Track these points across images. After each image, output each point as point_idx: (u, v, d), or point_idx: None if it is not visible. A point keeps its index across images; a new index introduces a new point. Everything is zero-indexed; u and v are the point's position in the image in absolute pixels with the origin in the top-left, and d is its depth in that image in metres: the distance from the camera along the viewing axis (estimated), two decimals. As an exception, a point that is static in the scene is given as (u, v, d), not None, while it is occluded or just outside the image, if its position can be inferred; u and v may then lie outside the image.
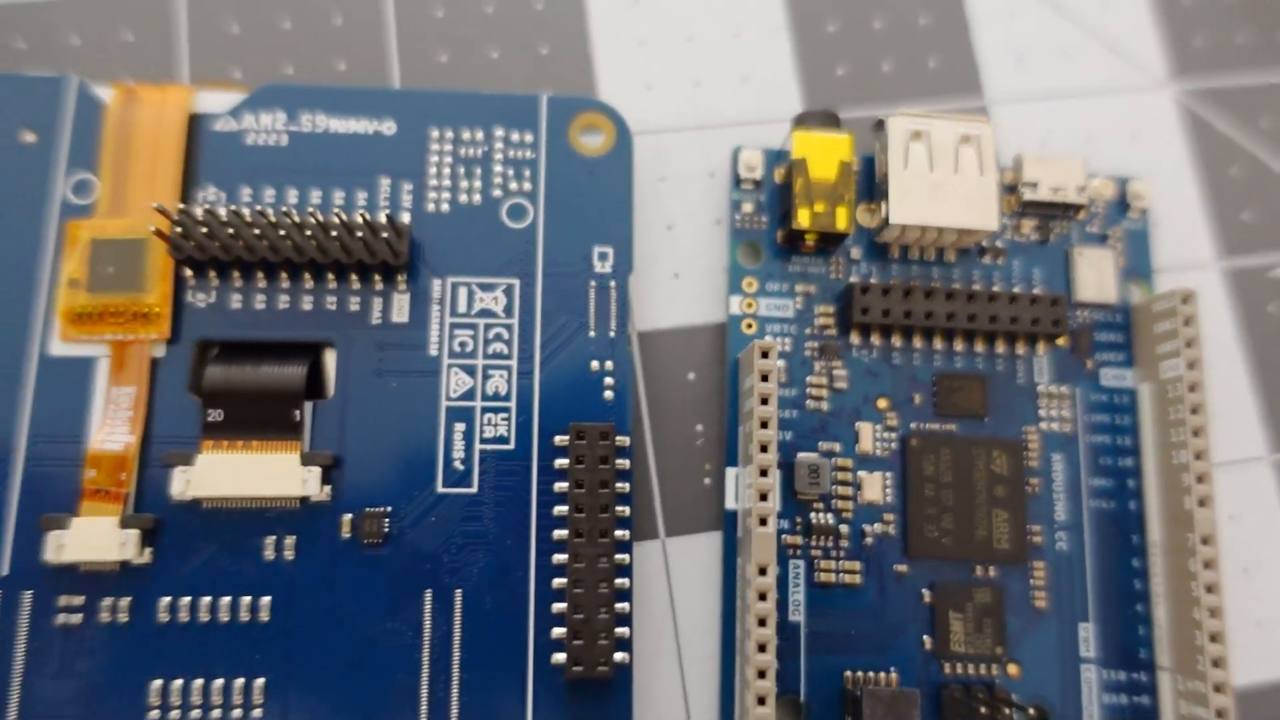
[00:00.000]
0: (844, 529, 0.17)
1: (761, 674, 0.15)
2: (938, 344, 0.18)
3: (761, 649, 0.15)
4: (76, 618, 0.15)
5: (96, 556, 0.15)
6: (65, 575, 0.15)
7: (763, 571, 0.15)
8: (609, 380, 0.17)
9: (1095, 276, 0.18)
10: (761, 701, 0.14)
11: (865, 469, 0.17)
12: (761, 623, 0.15)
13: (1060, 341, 0.18)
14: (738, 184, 0.18)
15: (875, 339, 0.18)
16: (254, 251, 0.16)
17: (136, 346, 0.16)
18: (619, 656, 0.15)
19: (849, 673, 0.16)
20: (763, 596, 0.15)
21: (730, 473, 0.17)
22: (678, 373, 0.18)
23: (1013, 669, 0.17)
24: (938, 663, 0.16)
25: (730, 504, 0.17)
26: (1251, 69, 0.21)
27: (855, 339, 0.18)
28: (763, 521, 0.15)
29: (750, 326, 0.18)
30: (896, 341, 0.18)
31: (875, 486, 0.17)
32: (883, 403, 0.17)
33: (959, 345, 0.18)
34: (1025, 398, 0.18)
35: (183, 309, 0.16)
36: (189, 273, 0.16)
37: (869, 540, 0.17)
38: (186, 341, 0.16)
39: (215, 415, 0.16)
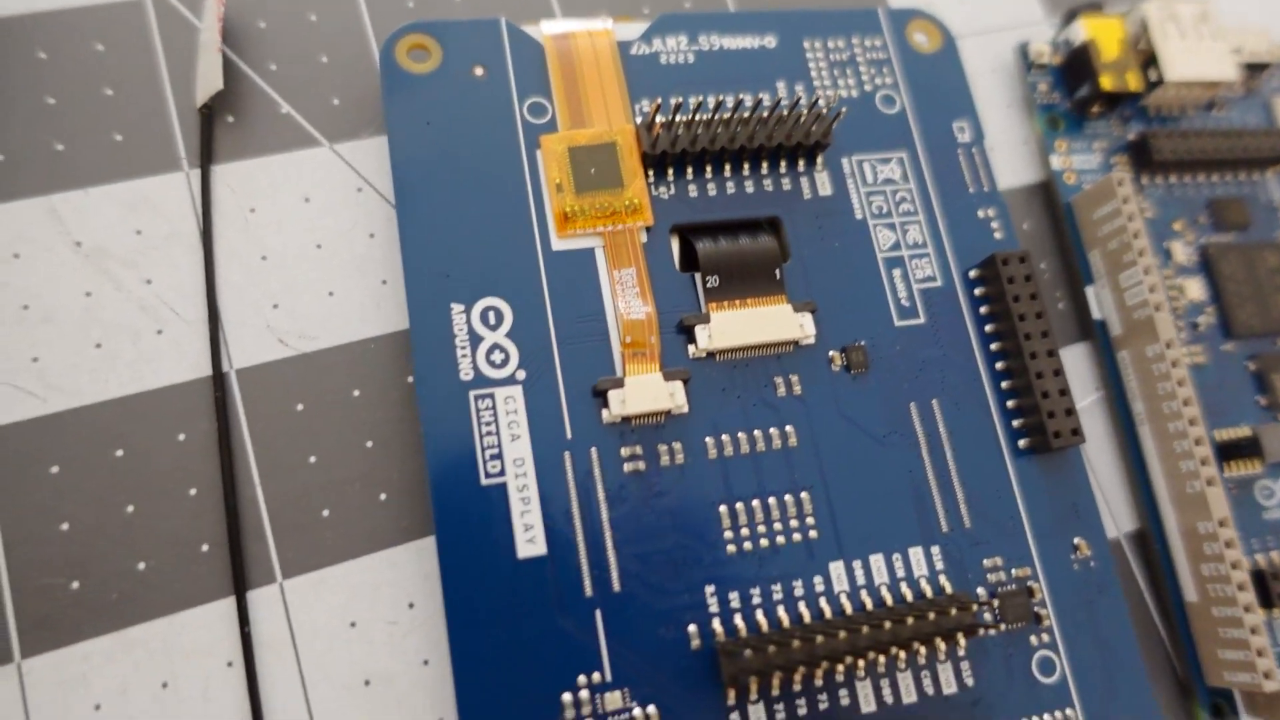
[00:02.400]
0: (1180, 323, 0.21)
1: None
2: (1208, 176, 0.22)
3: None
4: (641, 464, 0.17)
5: (654, 407, 0.17)
6: (618, 431, 0.17)
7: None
8: (995, 224, 0.20)
9: (1292, 115, 0.23)
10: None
11: (1182, 276, 0.21)
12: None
13: None
14: (1030, 69, 0.22)
15: (1160, 178, 0.22)
16: (714, 143, 0.18)
17: (626, 234, 0.18)
18: (1069, 426, 0.18)
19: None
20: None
21: (1089, 291, 0.21)
22: (1017, 224, 0.21)
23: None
24: (1270, 413, 0.20)
25: (1096, 314, 0.20)
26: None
27: (1144, 180, 0.22)
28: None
29: (1071, 178, 0.21)
30: (1181, 178, 0.22)
31: (1194, 288, 0.21)
32: (1178, 225, 0.22)
33: (1226, 175, 0.22)
34: (1270, 212, 0.22)
35: (651, 202, 0.18)
36: (650, 172, 0.19)
37: (1200, 329, 0.21)
38: (661, 229, 0.18)
39: (713, 281, 0.18)
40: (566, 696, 0.15)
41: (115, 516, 0.16)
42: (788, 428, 0.18)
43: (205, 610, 0.16)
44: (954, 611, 0.16)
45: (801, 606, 0.17)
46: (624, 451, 0.17)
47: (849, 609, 0.17)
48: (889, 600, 0.17)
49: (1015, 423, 0.19)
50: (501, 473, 0.16)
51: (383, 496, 0.17)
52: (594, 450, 0.17)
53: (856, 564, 0.17)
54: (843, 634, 0.16)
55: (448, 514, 0.16)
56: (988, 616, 0.17)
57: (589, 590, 0.16)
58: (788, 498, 0.17)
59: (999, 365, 0.19)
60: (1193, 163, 0.22)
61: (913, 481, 0.18)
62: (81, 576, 0.16)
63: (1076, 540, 0.18)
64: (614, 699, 0.16)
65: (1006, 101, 0.22)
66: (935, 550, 0.18)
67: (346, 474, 0.17)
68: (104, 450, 0.16)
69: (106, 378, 0.17)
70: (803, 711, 0.16)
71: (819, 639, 0.16)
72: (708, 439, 0.17)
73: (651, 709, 0.16)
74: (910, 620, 0.16)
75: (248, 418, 0.17)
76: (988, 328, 0.19)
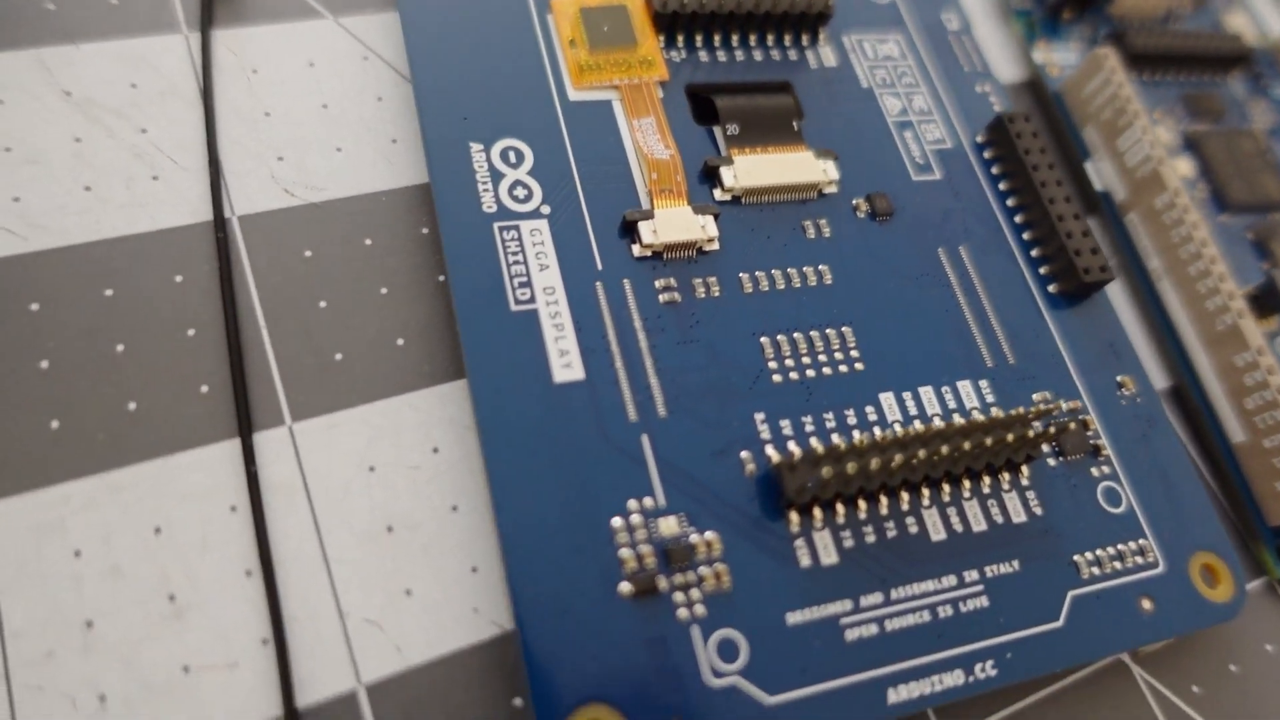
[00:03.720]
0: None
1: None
2: (1179, 75, 0.23)
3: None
4: (677, 295, 0.16)
5: (687, 237, 0.16)
6: (650, 265, 0.16)
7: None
8: (993, 98, 0.20)
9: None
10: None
11: (1171, 157, 0.21)
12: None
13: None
14: (1005, -20, 0.23)
15: (1134, 74, 0.22)
16: (722, 5, 0.18)
17: (643, 87, 0.18)
18: (1098, 264, 0.18)
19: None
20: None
21: (1088, 166, 0.21)
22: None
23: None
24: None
25: (1098, 187, 0.21)
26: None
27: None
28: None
29: (1055, 70, 0.22)
30: (1154, 75, 0.23)
31: (1184, 166, 0.21)
32: (1158, 114, 0.22)
33: (1195, 74, 0.23)
34: (1238, 105, 0.23)
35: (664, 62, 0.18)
36: (661, 35, 0.18)
37: (1195, 202, 0.21)
38: (675, 88, 0.18)
39: (733, 129, 0.18)
40: (616, 521, 0.14)
41: (102, 355, 0.14)
42: (821, 266, 0.17)
43: (204, 452, 0.14)
44: (1010, 436, 0.15)
45: (856, 435, 0.15)
46: (658, 283, 0.16)
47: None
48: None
49: (1042, 270, 0.18)
50: (531, 300, 0.15)
51: (400, 342, 0.15)
52: (626, 282, 0.16)
53: (907, 395, 0.16)
54: (899, 458, 0.14)
55: (477, 340, 0.15)
56: (1045, 447, 0.16)
57: (633, 415, 0.15)
58: (829, 331, 0.16)
59: (1018, 219, 0.19)
60: (1166, 58, 0.22)
61: (951, 320, 0.17)
62: (62, 415, 0.14)
63: (1120, 378, 0.18)
64: (669, 524, 0.14)
65: (984, 11, 0.23)
66: (984, 383, 0.17)
67: (360, 319, 0.15)
68: (91, 289, 0.15)
69: (97, 219, 0.15)
70: (871, 539, 0.15)
71: (878, 460, 0.14)
72: (742, 274, 0.16)
73: (711, 535, 0.14)
74: (967, 445, 0.15)
75: (251, 262, 0.15)
76: (1002, 185, 0.19)
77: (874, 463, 0.14)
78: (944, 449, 0.15)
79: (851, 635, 0.14)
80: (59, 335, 0.14)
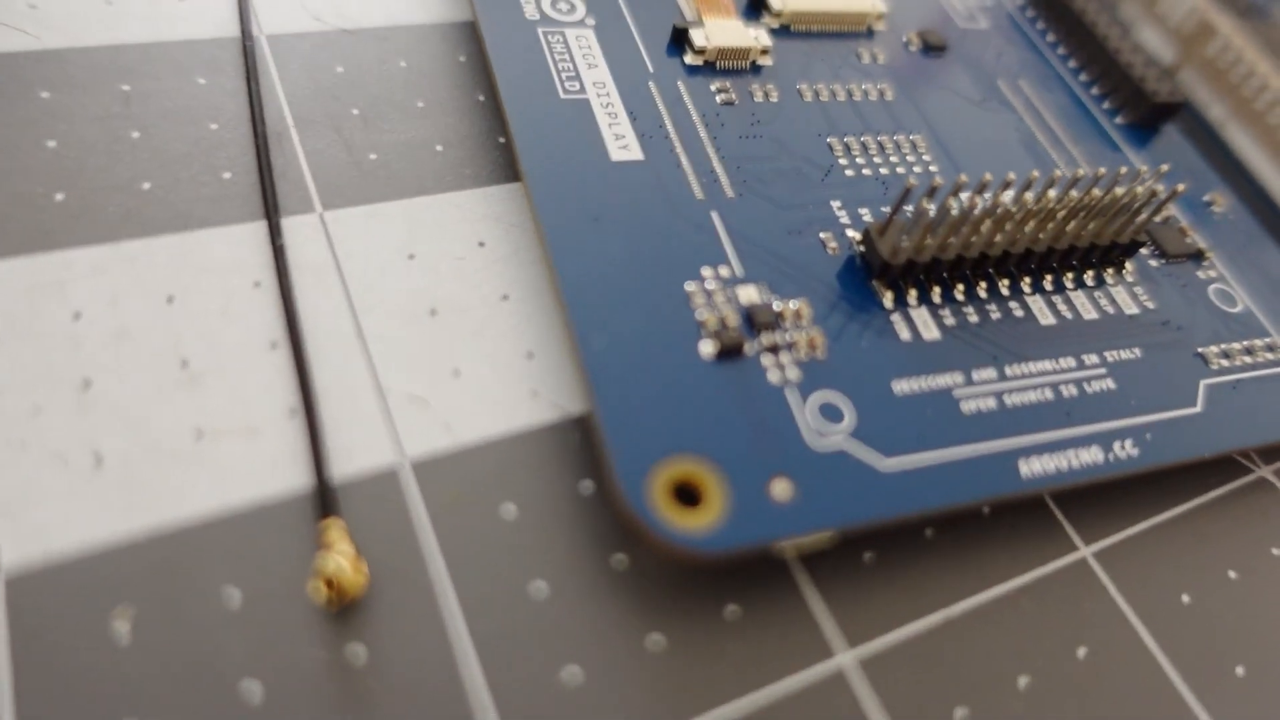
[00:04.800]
0: (1223, 68, 0.20)
1: None
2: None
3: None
4: (734, 96, 0.15)
5: (740, 43, 0.15)
6: (704, 73, 0.15)
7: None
8: (1028, -29, 0.20)
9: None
10: None
11: (1210, 36, 0.21)
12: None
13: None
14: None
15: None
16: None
17: (681, -65, 0.17)
18: (1165, 88, 0.17)
19: None
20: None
21: (1130, 38, 0.20)
22: (1041, 4, 0.21)
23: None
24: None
25: (1143, 55, 0.20)
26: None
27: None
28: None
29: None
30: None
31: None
32: None
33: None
34: None
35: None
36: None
37: (1243, 73, 0.20)
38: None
39: (776, -33, 0.17)
40: (690, 285, 0.12)
41: (116, 139, 0.13)
42: (881, 84, 0.16)
43: (226, 231, 0.12)
44: (1111, 217, 0.13)
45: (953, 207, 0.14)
46: (713, 86, 0.15)
47: (995, 229, 0.14)
48: (1035, 226, 0.14)
49: (1106, 104, 0.17)
50: (581, 91, 0.14)
51: (439, 148, 0.14)
52: (680, 83, 0.15)
53: (987, 196, 0.15)
54: (999, 233, 0.13)
55: (526, 123, 0.13)
56: (1144, 250, 0.15)
57: (699, 194, 0.13)
58: (899, 137, 0.15)
59: (1071, 63, 0.18)
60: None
61: (1024, 141, 0.16)
62: (68, 189, 0.12)
63: (1207, 196, 0.16)
64: (749, 292, 0.12)
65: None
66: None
67: (396, 125, 0.14)
68: (107, 82, 0.13)
69: (114, 26, 0.14)
70: (974, 319, 0.13)
71: (978, 231, 0.13)
72: (800, 84, 0.15)
73: (796, 303, 0.12)
74: (1069, 227, 0.13)
75: (279, 70, 0.14)
76: (1049, 37, 0.18)
77: (973, 233, 0.13)
78: (1047, 226, 0.13)
79: (968, 407, 0.12)
80: (70, 119, 0.13)
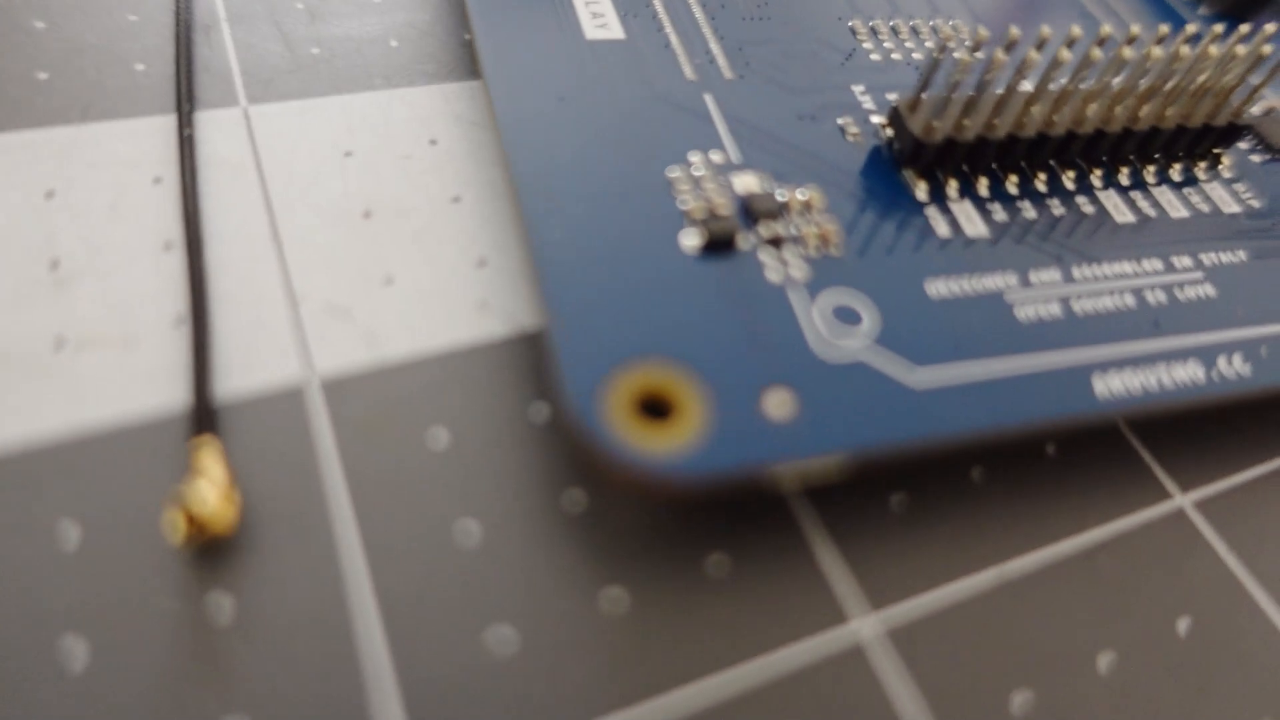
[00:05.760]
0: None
1: None
2: None
3: None
4: (738, -22, 0.12)
5: (745, -82, 0.13)
6: (702, -44, 0.13)
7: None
8: None
9: None
10: None
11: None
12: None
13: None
14: None
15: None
16: None
17: None
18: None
19: None
20: None
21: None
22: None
23: None
24: None
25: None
26: None
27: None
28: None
29: None
30: None
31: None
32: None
33: None
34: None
35: None
36: None
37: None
38: None
39: None
40: (674, 171, 0.10)
41: (14, 28, 0.11)
42: (914, -32, 0.13)
43: (130, 124, 0.10)
44: (1202, 96, 0.11)
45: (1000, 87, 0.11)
46: (713, -35, 0.12)
47: (1055, 117, 0.11)
48: (1105, 116, 0.12)
49: (1189, -8, 0.14)
50: (553, -32, 0.12)
51: (393, 44, 0.12)
52: (672, -37, 0.12)
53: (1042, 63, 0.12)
54: (1060, 113, 0.10)
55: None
56: (1243, 144, 0.12)
57: (690, 74, 0.11)
58: (937, 21, 0.12)
59: (1146, -51, 0.15)
60: None
61: (1085, 26, 0.13)
62: (-50, 78, 0.10)
63: (1319, 88, 0.13)
64: (747, 181, 0.10)
65: None
66: (1144, 81, 0.12)
67: (345, 20, 0.12)
68: (15, -27, 0.12)
69: (34, -82, 0.12)
70: (1030, 214, 0.10)
71: (1033, 109, 0.10)
72: (817, -33, 0.13)
73: (805, 192, 0.10)
74: (1144, 110, 0.11)
75: (216, -37, 0.12)
76: (1119, -78, 0.15)
77: (1027, 111, 0.10)
78: (1122, 103, 0.11)
79: (1025, 313, 0.09)
80: (-36, 9, 0.11)
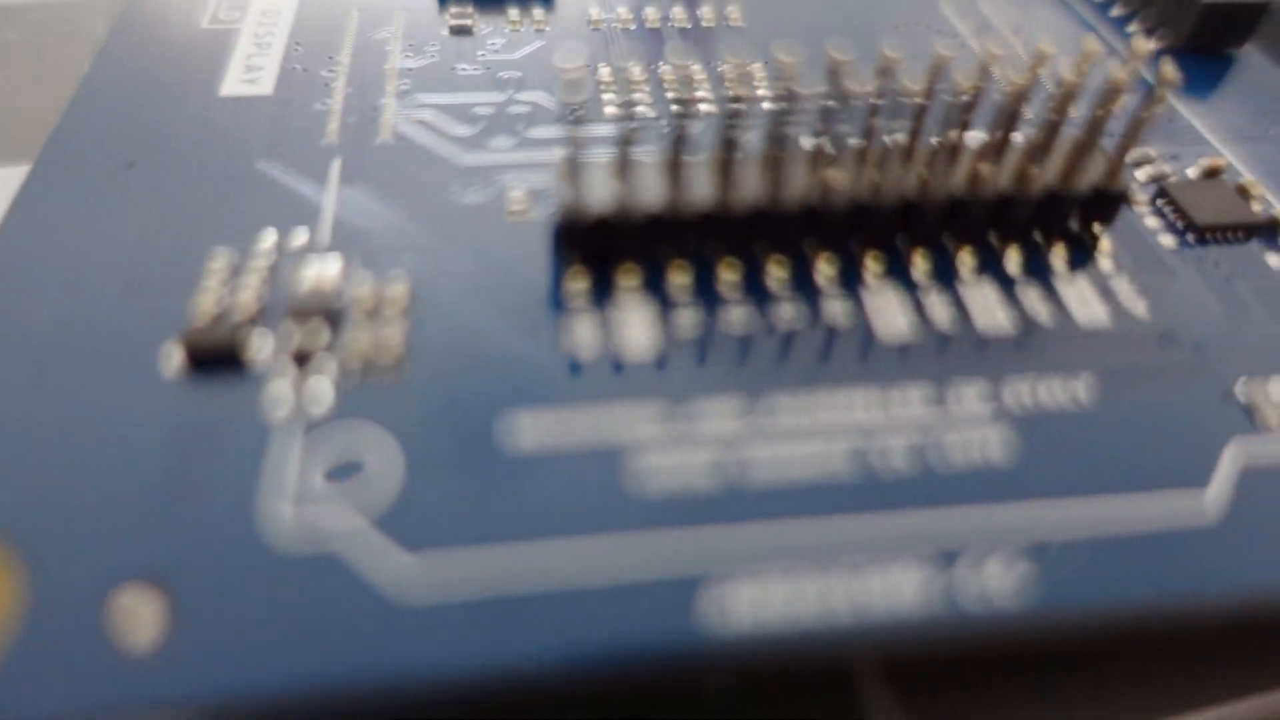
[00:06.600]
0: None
1: None
2: None
3: None
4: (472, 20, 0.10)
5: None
6: None
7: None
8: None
9: None
10: None
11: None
12: None
13: None
14: None
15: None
16: None
17: None
18: None
19: None
20: None
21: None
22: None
23: None
24: None
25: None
26: None
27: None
28: None
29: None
30: None
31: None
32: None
33: None
34: None
35: None
36: None
37: None
38: None
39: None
40: (217, 251, 0.07)
41: None
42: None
43: None
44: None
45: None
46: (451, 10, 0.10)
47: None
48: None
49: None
50: (240, 19, 0.10)
51: None
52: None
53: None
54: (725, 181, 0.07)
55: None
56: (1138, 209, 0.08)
57: (333, 138, 0.08)
58: (664, 67, 0.09)
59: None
60: None
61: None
62: None
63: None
64: (323, 269, 0.07)
65: None
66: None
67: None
68: None
69: None
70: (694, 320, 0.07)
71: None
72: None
73: (396, 289, 0.07)
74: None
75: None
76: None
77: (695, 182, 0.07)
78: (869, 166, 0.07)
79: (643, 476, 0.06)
80: None
